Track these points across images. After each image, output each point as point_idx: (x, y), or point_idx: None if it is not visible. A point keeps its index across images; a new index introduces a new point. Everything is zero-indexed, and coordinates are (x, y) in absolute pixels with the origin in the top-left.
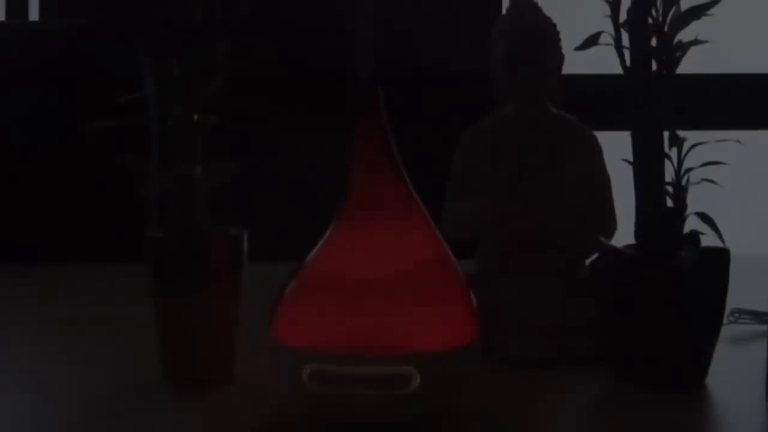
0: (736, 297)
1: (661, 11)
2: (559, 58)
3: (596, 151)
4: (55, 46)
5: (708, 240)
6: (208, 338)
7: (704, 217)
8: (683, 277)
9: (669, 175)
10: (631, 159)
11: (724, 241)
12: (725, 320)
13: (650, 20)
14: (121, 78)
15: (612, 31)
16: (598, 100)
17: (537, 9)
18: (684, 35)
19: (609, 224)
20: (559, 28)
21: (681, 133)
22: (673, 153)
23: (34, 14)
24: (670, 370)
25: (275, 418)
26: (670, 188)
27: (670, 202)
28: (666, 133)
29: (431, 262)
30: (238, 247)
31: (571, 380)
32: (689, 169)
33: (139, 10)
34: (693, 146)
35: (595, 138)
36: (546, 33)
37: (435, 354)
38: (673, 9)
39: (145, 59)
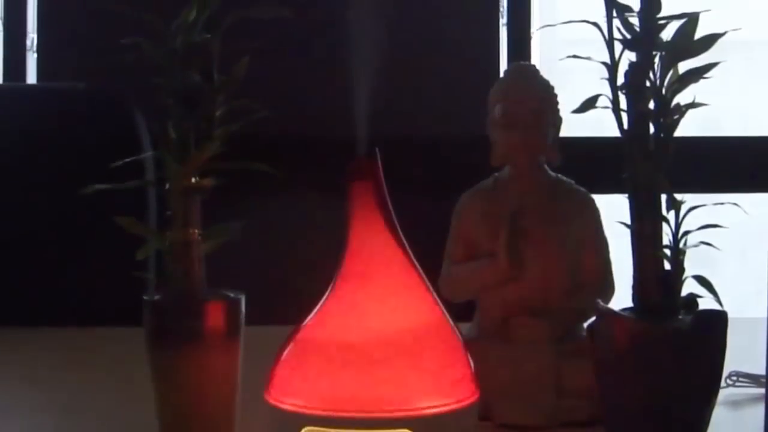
0: (734, 360)
1: (659, 74)
2: (557, 120)
3: (594, 213)
4: (52, 109)
5: (706, 303)
6: (206, 402)
7: (702, 280)
8: (681, 340)
9: (667, 238)
10: (628, 222)
11: (722, 304)
12: (723, 383)
13: (648, 83)
14: (119, 141)
15: (610, 94)
16: (596, 162)
17: (534, 72)
18: (682, 98)
19: (606, 287)
20: (556, 90)
21: (679, 196)
22: (671, 216)
23: (31, 77)
24: None
25: None
26: (667, 251)
27: (667, 265)
28: (664, 196)
29: (429, 325)
30: (236, 311)
31: None
32: (687, 232)
33: (137, 73)
34: (691, 209)
35: (592, 200)
36: (543, 96)
37: (432, 417)
38: (671, 72)
39: (142, 122)
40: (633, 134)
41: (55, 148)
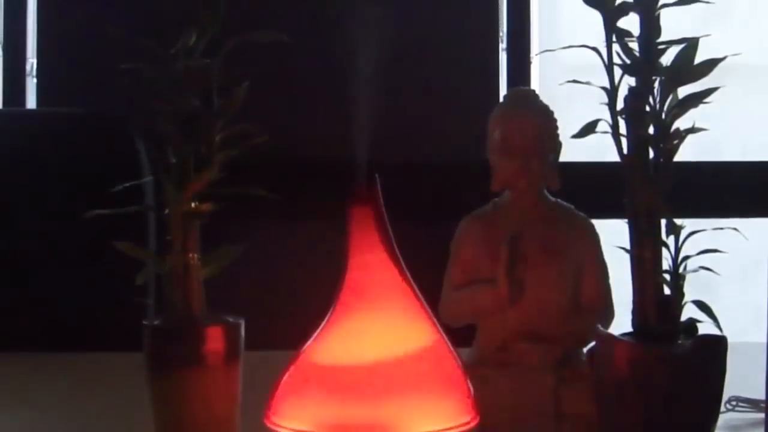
0: (734, 385)
1: (658, 99)
2: (557, 145)
3: (593, 238)
4: (52, 134)
5: (706, 328)
6: (205, 426)
7: (701, 305)
8: (680, 365)
9: (666, 263)
10: (628, 247)
11: (722, 329)
12: (723, 408)
13: (648, 108)
14: (119, 166)
15: (609, 119)
16: (596, 187)
17: (534, 97)
18: (681, 123)
19: (606, 312)
20: (556, 115)
21: (678, 221)
22: (671, 241)
23: (31, 102)
24: None
25: None
26: (667, 276)
27: (667, 290)
28: (663, 221)
29: (428, 350)
30: (236, 335)
31: None
32: (687, 257)
33: (137, 98)
34: (690, 234)
35: (592, 225)
36: (543, 121)
37: None
38: (671, 97)
39: (142, 147)
40: (633, 159)
41: (55, 173)
